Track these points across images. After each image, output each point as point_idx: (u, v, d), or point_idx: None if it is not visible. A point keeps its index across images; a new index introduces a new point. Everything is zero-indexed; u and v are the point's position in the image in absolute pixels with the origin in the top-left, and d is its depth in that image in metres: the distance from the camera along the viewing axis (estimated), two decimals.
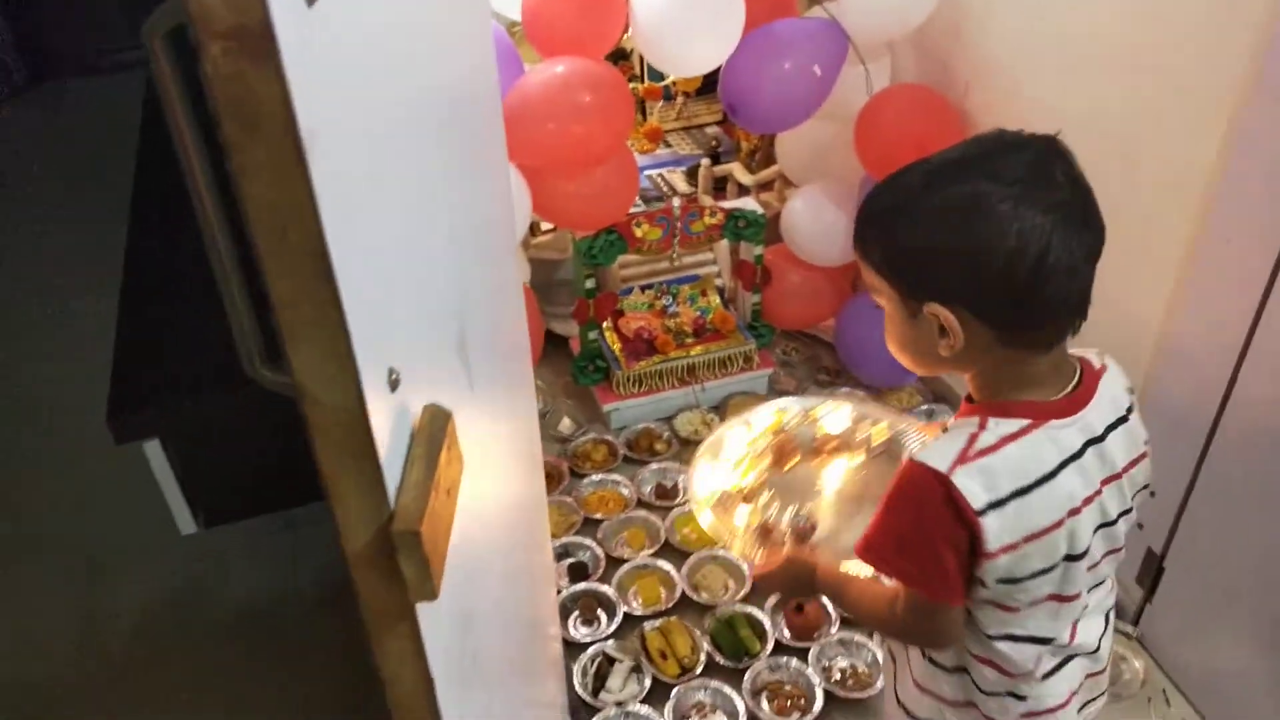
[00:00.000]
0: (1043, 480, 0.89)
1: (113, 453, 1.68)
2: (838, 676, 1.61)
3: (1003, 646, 0.97)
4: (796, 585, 1.18)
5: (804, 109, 1.97)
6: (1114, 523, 0.97)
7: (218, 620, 2.07)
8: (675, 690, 1.57)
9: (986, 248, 0.83)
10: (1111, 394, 0.95)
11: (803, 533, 1.45)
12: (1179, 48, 1.45)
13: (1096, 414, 0.93)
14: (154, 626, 2.06)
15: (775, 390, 2.24)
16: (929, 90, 1.99)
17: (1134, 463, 0.97)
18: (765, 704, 1.56)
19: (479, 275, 0.94)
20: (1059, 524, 0.91)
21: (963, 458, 0.88)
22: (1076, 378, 0.94)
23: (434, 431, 0.54)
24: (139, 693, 1.94)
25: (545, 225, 2.28)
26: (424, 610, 0.52)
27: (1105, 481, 0.94)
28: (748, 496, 1.32)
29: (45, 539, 2.27)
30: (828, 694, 1.56)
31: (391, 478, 0.48)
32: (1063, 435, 0.91)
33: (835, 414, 1.52)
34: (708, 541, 1.85)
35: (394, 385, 0.50)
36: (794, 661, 1.61)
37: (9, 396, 2.70)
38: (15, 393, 2.72)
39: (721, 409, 2.19)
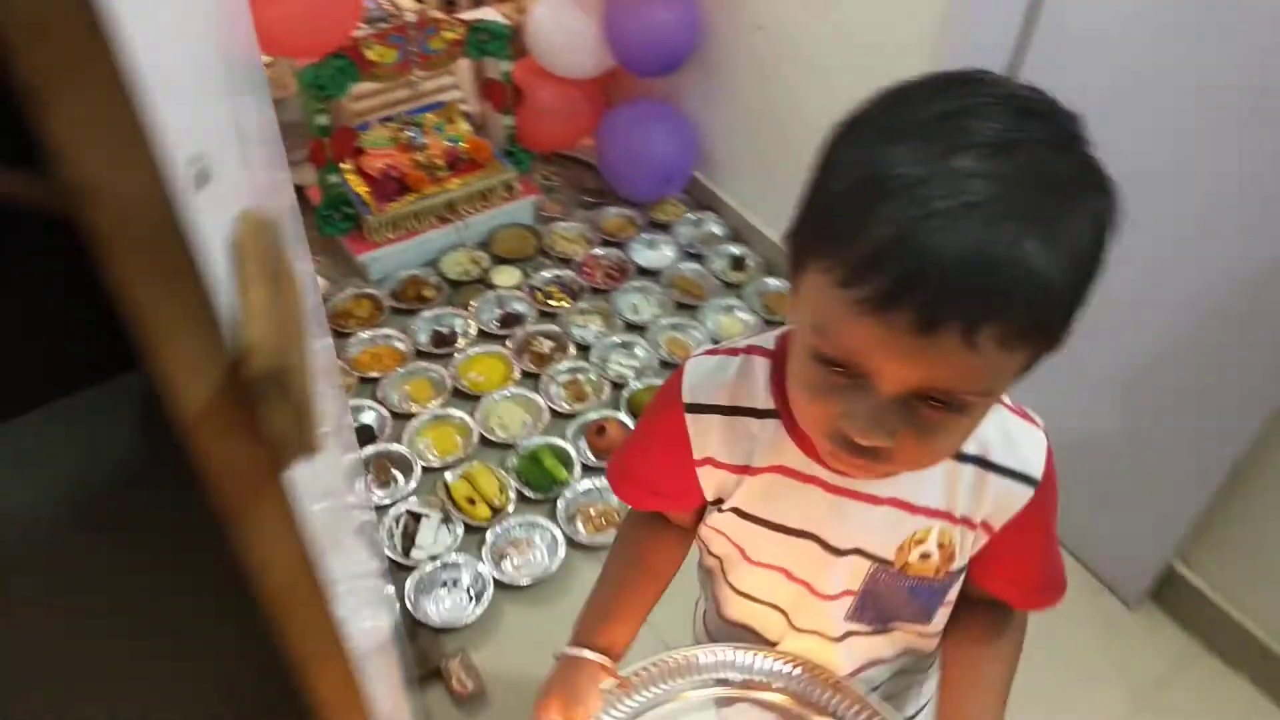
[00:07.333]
0: None
1: None
2: None
3: None
4: None
5: None
6: None
7: None
8: (489, 533, 1.52)
9: None
10: None
11: None
12: None
13: None
14: None
15: (541, 218, 2.13)
16: None
17: None
18: (580, 526, 1.56)
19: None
20: None
21: None
22: None
23: (265, 245, 0.40)
24: None
25: (264, 59, 1.97)
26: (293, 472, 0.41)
27: None
28: None
29: None
30: None
31: (227, 303, 0.35)
32: None
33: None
34: (497, 383, 1.77)
35: (200, 181, 0.35)
36: (602, 480, 1.59)
37: None
38: None
39: (489, 245, 2.06)
